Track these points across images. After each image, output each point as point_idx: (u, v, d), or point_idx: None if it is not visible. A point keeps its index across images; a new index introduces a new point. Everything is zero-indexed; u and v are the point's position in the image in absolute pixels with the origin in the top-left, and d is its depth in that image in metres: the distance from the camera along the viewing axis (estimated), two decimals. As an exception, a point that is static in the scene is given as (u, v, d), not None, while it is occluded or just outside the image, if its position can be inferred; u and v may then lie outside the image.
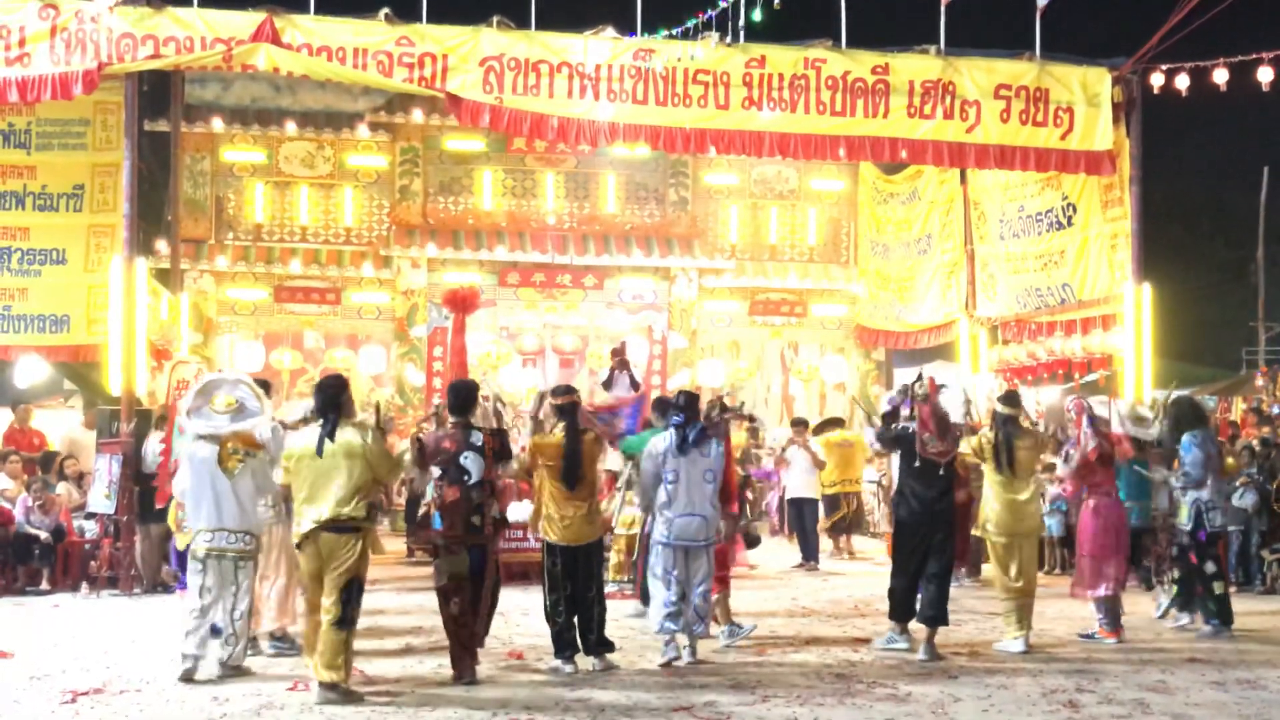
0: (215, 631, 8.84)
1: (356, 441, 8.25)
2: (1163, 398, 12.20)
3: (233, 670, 8.84)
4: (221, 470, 8.92)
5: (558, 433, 9.38)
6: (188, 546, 9.57)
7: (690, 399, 9.86)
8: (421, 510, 8.68)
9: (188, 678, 8.67)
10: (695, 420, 9.65)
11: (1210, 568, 11.35)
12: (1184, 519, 11.48)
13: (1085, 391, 20.55)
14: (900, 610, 10.15)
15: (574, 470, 9.22)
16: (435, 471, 8.82)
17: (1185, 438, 11.46)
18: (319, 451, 8.20)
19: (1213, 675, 9.24)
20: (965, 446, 10.62)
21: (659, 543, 9.60)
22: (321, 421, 8.36)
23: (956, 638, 10.75)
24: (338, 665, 8.01)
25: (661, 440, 9.62)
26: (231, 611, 8.86)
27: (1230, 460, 13.24)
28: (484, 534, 8.72)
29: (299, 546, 8.36)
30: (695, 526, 9.49)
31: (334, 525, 8.13)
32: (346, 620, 8.11)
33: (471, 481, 8.68)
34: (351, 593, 8.14)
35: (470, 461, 8.71)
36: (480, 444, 8.78)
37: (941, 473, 10.13)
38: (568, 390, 9.62)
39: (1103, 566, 10.90)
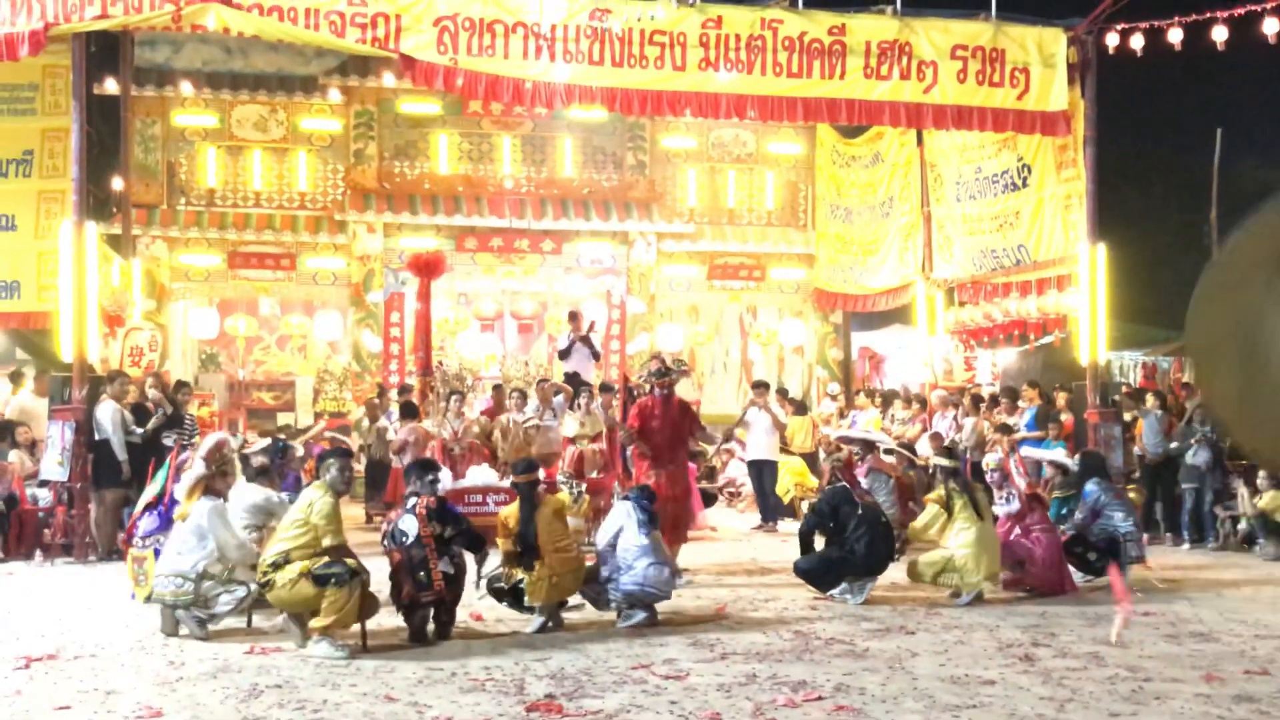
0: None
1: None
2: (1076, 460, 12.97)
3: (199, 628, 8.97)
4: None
5: (512, 507, 9.59)
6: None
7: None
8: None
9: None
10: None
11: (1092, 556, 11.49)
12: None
13: (1040, 353, 20.80)
14: None
15: (530, 546, 9.29)
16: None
17: (1088, 485, 11.80)
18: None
19: (1166, 629, 9.34)
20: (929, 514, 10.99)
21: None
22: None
23: (914, 596, 10.82)
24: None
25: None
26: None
27: (1134, 495, 13.60)
28: (433, 589, 8.80)
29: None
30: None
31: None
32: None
33: (409, 542, 8.82)
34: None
35: (406, 524, 8.91)
36: (413, 507, 9.01)
37: None
38: (528, 468, 9.77)
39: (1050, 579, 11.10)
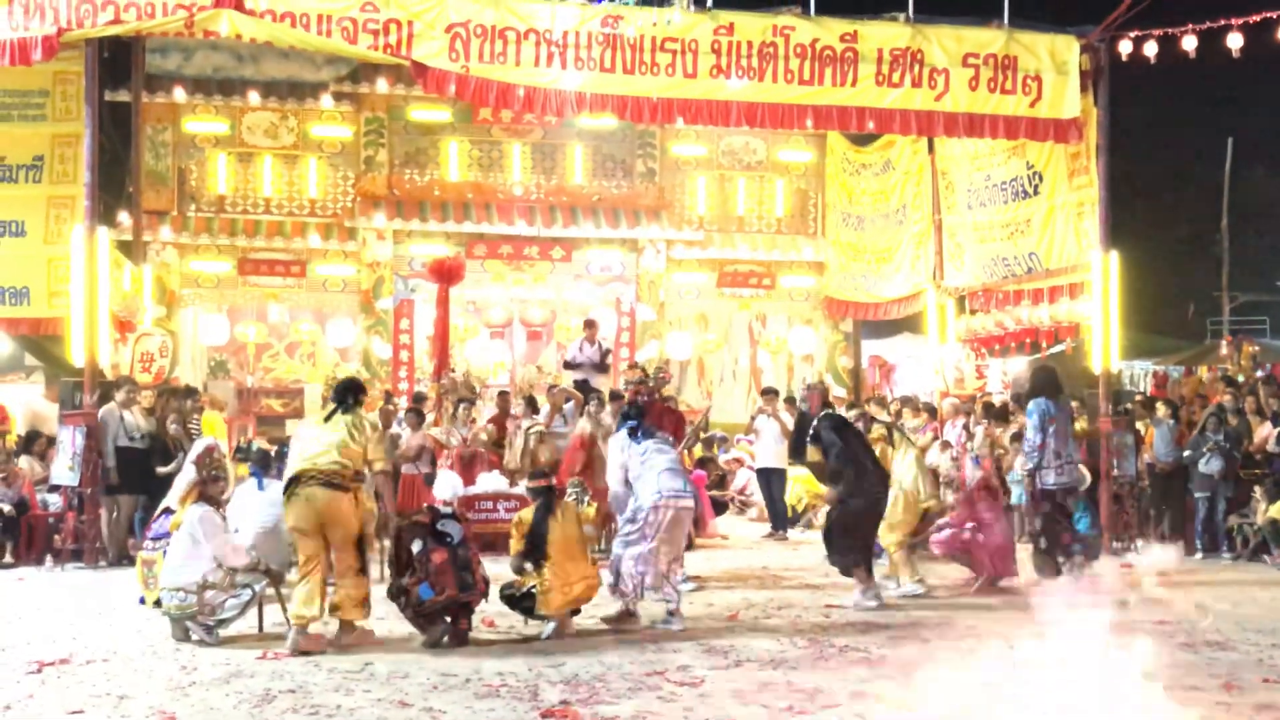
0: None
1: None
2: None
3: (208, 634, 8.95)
4: None
5: (530, 510, 9.65)
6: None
7: (637, 411, 10.73)
8: (401, 587, 8.90)
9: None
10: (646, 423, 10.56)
11: (1038, 524, 12.13)
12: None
13: (1052, 361, 20.75)
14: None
15: (539, 545, 9.35)
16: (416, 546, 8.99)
17: (1030, 404, 12.23)
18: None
19: (1182, 638, 9.28)
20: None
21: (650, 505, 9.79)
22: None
23: (928, 604, 10.78)
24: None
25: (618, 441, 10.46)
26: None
27: (1080, 425, 13.91)
28: (478, 591, 8.94)
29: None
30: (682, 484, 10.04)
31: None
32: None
33: (454, 542, 8.91)
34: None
35: (450, 525, 9.03)
36: (453, 512, 9.31)
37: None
38: (542, 474, 10.13)
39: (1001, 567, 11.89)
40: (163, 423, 14.21)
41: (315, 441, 8.93)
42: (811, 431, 11.34)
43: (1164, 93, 27.44)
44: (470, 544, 9.06)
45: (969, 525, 11.90)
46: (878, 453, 11.60)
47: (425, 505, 9.62)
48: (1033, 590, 11.59)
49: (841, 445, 10.98)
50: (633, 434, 10.21)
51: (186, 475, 9.65)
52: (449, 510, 9.36)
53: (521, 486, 12.87)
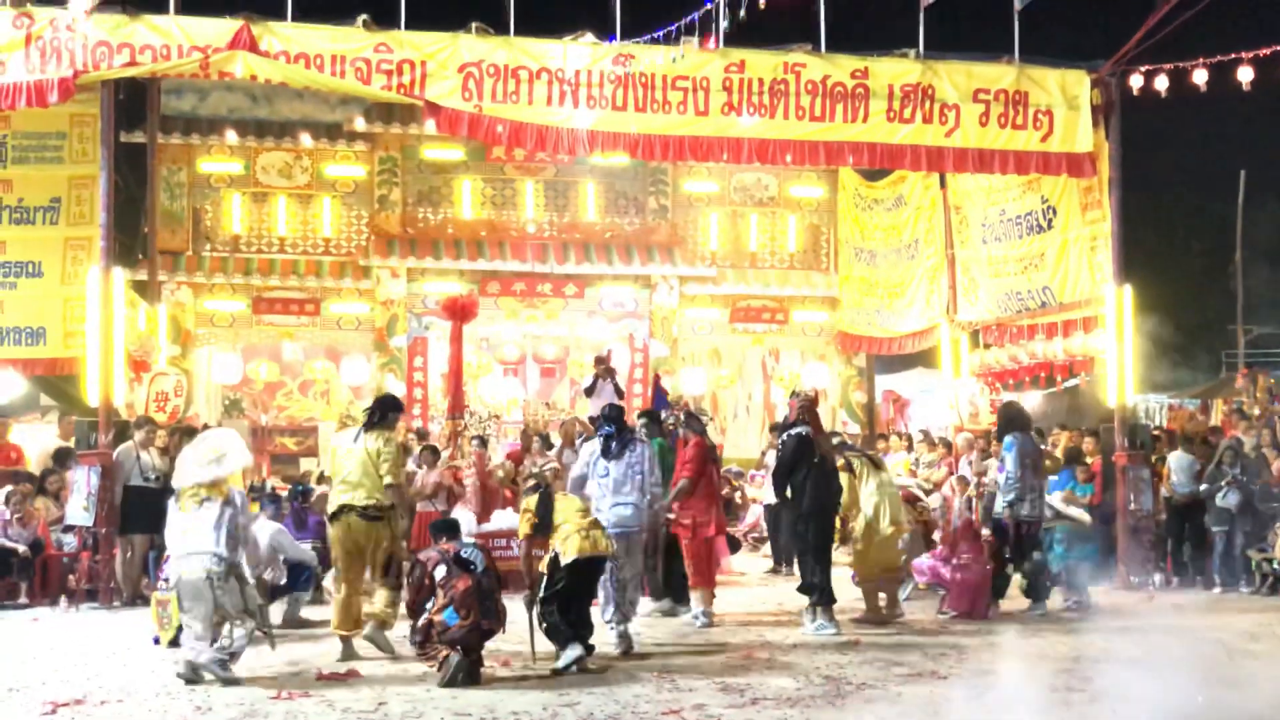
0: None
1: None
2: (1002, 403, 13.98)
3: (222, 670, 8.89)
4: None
5: (533, 499, 10.10)
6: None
7: (618, 412, 11.37)
8: (422, 622, 8.93)
9: (188, 679, 8.87)
10: (623, 431, 11.15)
11: (1007, 553, 12.70)
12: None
13: (1066, 395, 20.72)
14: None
15: (549, 516, 9.83)
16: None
17: (1006, 439, 12.71)
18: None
19: (1202, 675, 9.19)
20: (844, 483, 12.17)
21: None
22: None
23: (944, 640, 10.73)
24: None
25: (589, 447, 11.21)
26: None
27: (1049, 461, 14.12)
28: (500, 621, 9.09)
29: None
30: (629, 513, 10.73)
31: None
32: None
33: (478, 570, 9.05)
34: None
35: (472, 554, 9.19)
36: (474, 542, 9.61)
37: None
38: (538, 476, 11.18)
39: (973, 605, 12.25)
40: (178, 445, 14.30)
41: (345, 463, 9.96)
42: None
43: (1176, 125, 27.46)
44: (492, 573, 9.14)
45: (951, 562, 12.37)
46: (844, 483, 12.02)
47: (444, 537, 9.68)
48: (1035, 624, 11.76)
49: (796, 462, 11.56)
50: (606, 447, 10.83)
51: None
52: (471, 540, 9.58)
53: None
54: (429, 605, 8.91)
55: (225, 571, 8.90)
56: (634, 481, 10.82)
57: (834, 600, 11.38)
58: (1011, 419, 13.07)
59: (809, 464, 11.46)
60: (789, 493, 11.67)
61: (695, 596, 11.95)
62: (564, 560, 9.40)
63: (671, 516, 12.13)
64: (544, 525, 9.73)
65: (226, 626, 8.96)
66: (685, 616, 12.08)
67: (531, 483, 11.45)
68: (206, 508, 9.05)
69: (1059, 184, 16.30)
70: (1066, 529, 13.21)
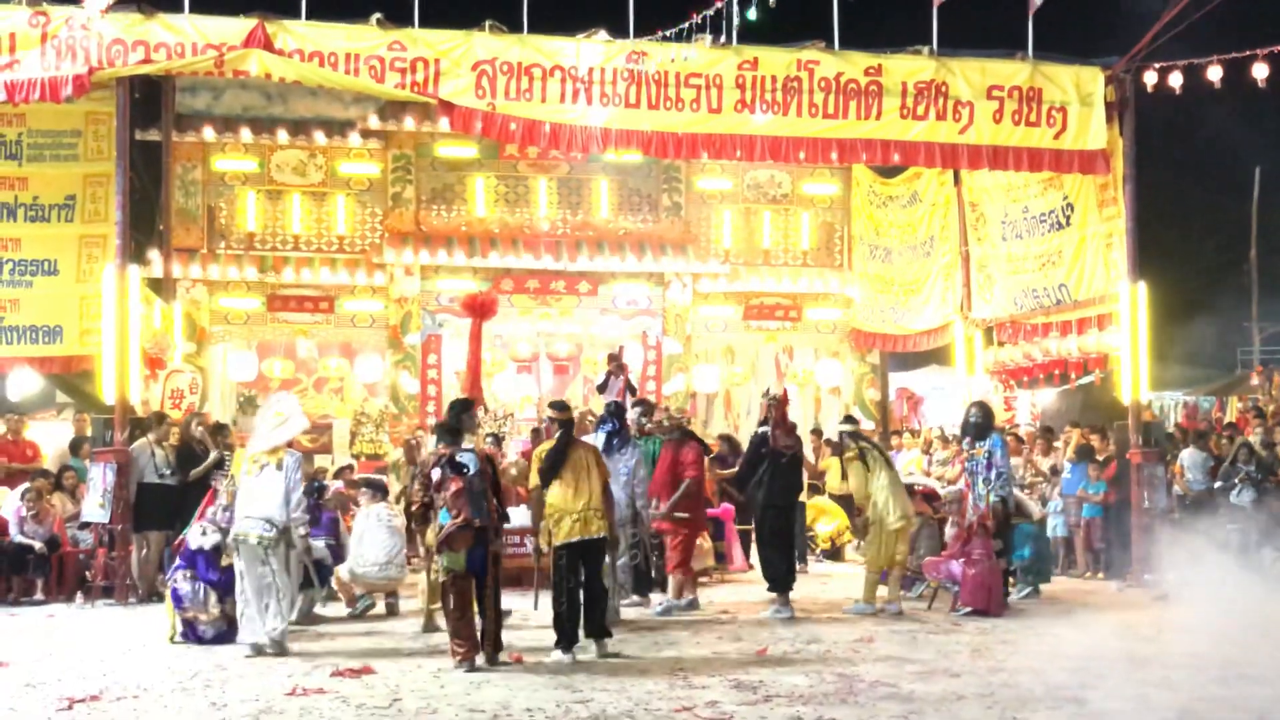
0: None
1: None
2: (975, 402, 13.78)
3: (276, 647, 9.80)
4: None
5: (548, 443, 10.36)
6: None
7: (620, 409, 12.06)
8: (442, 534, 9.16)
9: (255, 653, 9.80)
10: (623, 429, 11.75)
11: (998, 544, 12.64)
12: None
13: (1080, 393, 20.66)
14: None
15: (556, 465, 9.95)
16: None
17: (994, 436, 12.74)
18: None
19: (1214, 672, 9.18)
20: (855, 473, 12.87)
21: None
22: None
23: (959, 639, 10.73)
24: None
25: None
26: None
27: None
28: (491, 521, 9.33)
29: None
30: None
31: None
32: None
33: (470, 473, 9.28)
34: None
35: (467, 458, 9.41)
36: (472, 448, 9.71)
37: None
38: (564, 407, 10.59)
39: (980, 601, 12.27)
40: (187, 427, 14.41)
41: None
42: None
43: (1191, 122, 27.34)
44: (486, 478, 9.44)
45: (960, 559, 12.44)
46: (851, 474, 12.73)
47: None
48: (1048, 621, 11.75)
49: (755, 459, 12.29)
50: (608, 442, 11.25)
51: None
52: (469, 447, 9.68)
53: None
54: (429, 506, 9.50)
55: (276, 538, 9.82)
56: (620, 480, 11.36)
57: (790, 588, 12.28)
58: (986, 418, 13.03)
59: (769, 460, 12.16)
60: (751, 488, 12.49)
61: (676, 583, 12.60)
62: (556, 542, 9.78)
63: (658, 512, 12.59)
64: (553, 469, 9.90)
65: (272, 603, 9.77)
66: (665, 605, 12.48)
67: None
68: (267, 473, 9.95)
69: (1078, 181, 16.26)
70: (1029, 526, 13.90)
